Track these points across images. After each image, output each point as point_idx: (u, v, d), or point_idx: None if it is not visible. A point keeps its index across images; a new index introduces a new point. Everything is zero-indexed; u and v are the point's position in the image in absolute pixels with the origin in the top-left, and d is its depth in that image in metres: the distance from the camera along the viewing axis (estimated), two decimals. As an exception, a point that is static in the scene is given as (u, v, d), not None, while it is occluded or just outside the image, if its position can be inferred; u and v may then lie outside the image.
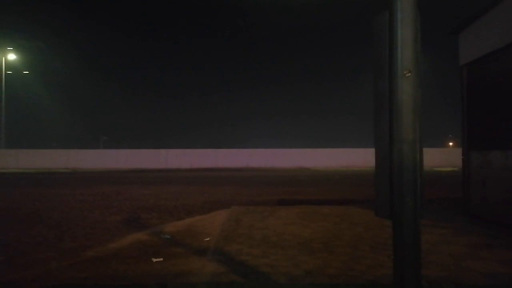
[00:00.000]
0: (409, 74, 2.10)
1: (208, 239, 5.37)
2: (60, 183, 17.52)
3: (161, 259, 4.41)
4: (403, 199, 2.11)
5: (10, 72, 38.74)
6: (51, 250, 5.16)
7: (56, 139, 44.57)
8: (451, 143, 55.21)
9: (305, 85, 59.72)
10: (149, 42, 61.95)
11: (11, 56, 38.66)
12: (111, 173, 25.90)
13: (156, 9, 64.42)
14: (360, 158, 33.87)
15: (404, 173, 2.10)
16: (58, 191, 13.11)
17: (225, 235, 5.37)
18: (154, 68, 64.61)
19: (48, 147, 36.19)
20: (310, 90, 59.39)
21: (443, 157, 32.49)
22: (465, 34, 6.79)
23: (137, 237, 5.81)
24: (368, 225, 6.08)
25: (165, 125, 53.74)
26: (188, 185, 15.68)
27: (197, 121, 55.21)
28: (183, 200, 10.56)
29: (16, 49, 38.88)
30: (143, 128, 53.69)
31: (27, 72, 41.01)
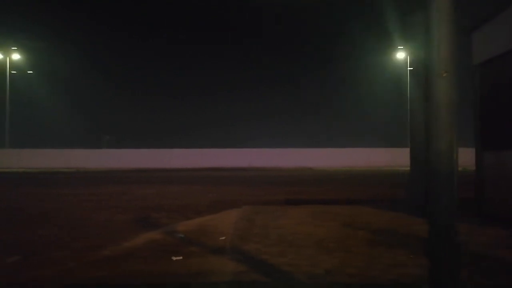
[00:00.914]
0: (446, 74, 2.10)
1: (223, 238, 5.37)
2: (63, 182, 17.54)
3: (181, 257, 4.41)
4: (439, 199, 2.11)
5: (15, 72, 38.81)
6: (64, 249, 5.14)
7: (59, 139, 44.51)
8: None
9: (307, 84, 59.65)
10: (149, 42, 61.80)
11: (15, 56, 38.75)
12: (114, 173, 25.93)
13: (156, 9, 64.35)
14: (363, 158, 33.84)
15: (441, 173, 2.10)
16: (62, 191, 13.12)
17: (239, 234, 5.37)
18: (155, 68, 64.42)
19: (50, 147, 36.16)
20: (312, 89, 59.31)
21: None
22: (479, 34, 6.76)
23: (150, 236, 5.80)
24: (381, 224, 6.09)
25: (167, 125, 53.51)
26: (192, 185, 15.70)
27: (198, 121, 55.04)
28: (188, 199, 10.57)
29: (20, 49, 38.93)
30: (145, 128, 53.55)
31: (31, 72, 41.06)
